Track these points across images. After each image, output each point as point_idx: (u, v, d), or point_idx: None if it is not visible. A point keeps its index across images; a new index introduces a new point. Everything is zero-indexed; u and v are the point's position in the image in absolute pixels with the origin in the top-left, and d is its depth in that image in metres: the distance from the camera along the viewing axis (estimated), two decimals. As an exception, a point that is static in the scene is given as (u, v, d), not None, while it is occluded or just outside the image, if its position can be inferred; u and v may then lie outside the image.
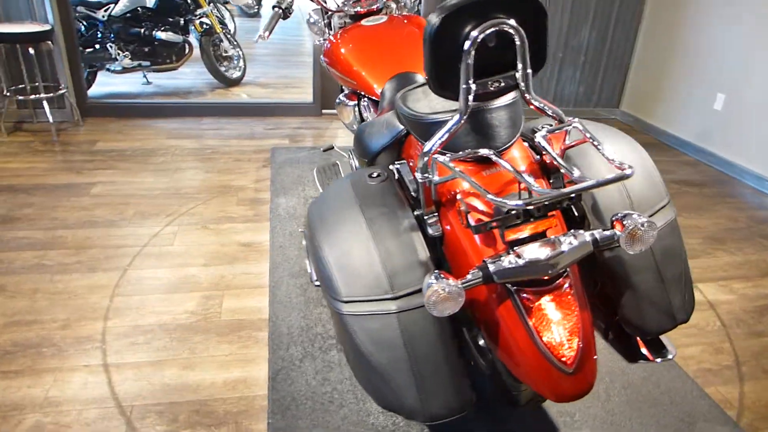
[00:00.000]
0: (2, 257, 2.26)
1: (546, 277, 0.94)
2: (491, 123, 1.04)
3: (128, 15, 4.47)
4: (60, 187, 2.93)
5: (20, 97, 3.66)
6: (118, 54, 4.51)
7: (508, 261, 0.91)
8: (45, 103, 3.59)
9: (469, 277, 0.91)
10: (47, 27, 3.47)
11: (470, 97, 0.93)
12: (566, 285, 0.98)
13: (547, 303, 0.97)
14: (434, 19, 0.89)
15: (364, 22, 2.10)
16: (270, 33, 1.98)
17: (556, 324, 0.96)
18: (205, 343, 1.83)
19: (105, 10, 4.41)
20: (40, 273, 2.18)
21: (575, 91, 4.53)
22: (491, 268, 0.90)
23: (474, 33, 0.88)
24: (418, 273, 1.01)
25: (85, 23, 4.44)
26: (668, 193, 1.17)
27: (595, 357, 1.01)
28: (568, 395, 0.97)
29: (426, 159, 1.00)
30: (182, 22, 4.66)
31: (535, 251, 0.91)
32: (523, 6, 0.91)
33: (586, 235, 0.93)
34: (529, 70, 0.94)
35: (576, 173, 0.93)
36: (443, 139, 0.98)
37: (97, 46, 4.46)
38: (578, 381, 0.97)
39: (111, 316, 1.95)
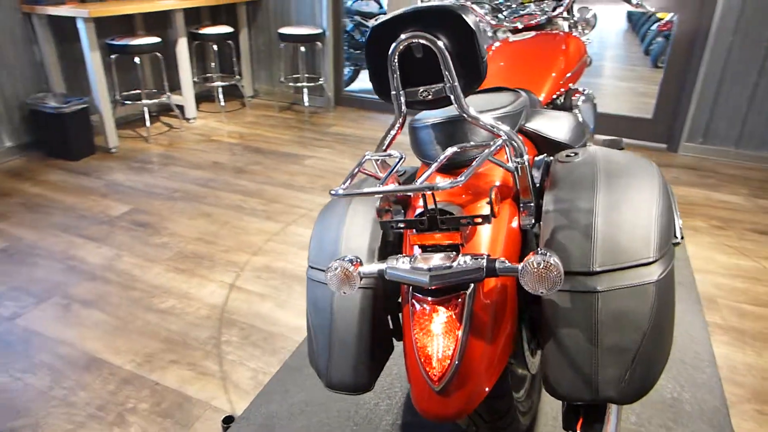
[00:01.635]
0: (220, 195, 3.07)
1: (432, 288, 0.96)
2: (436, 136, 1.09)
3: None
4: (287, 154, 3.72)
5: (291, 84, 4.70)
6: (378, 57, 5.29)
7: (400, 262, 0.97)
8: (305, 90, 4.53)
9: (370, 267, 1.01)
10: (319, 31, 4.35)
11: (402, 104, 1.01)
12: (458, 303, 0.98)
13: (430, 314, 0.99)
14: (369, 31, 1.01)
15: (512, 37, 2.13)
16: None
17: (433, 337, 0.97)
18: (301, 294, 2.21)
19: (375, 20, 5.22)
20: (236, 212, 2.89)
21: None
22: (385, 265, 0.98)
23: (393, 44, 0.96)
24: (365, 257, 1.12)
25: (360, 29, 5.34)
26: (664, 254, 0.99)
27: (485, 389, 0.97)
28: (431, 413, 0.97)
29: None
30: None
31: (420, 260, 0.95)
32: (451, 23, 0.94)
33: (483, 261, 0.92)
34: (456, 83, 0.96)
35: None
36: (385, 144, 1.08)
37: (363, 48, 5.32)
38: (443, 402, 0.96)
39: (257, 253, 2.49)
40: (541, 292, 0.88)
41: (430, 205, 0.95)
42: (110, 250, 2.50)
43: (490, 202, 0.93)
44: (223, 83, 4.69)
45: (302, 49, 4.49)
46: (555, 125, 1.43)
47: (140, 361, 1.83)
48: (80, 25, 3.29)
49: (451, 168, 1.12)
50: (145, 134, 4.05)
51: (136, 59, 3.81)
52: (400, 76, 1.00)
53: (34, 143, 3.61)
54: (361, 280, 0.99)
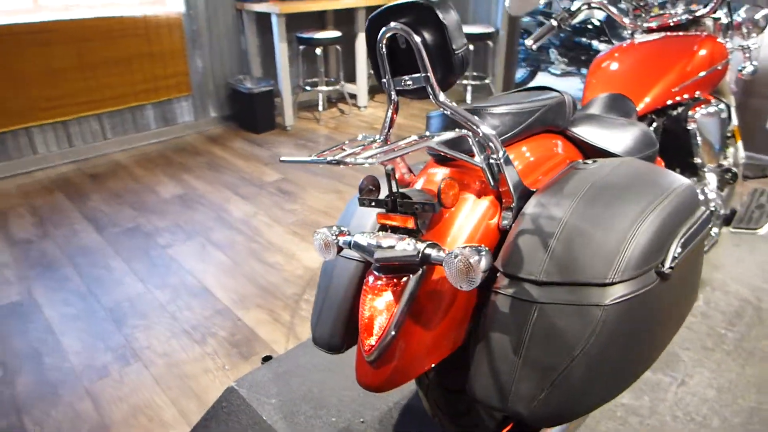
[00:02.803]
0: (359, 176, 3.35)
1: (378, 266, 1.02)
2: (438, 126, 1.11)
3: (576, 27, 4.92)
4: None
5: (458, 82, 4.79)
6: (557, 59, 5.06)
7: (363, 237, 1.05)
8: (469, 89, 4.59)
9: (347, 238, 1.11)
10: (491, 30, 4.36)
11: (391, 90, 1.07)
12: (402, 282, 1.01)
13: (379, 289, 1.05)
14: (368, 21, 1.09)
15: (638, 39, 1.94)
16: (536, 43, 2.12)
17: (374, 311, 1.03)
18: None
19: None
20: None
21: None
22: (350, 237, 1.07)
23: (379, 35, 1.02)
24: (367, 230, 1.21)
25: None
26: (631, 278, 0.88)
27: (416, 370, 1.00)
28: (360, 381, 1.03)
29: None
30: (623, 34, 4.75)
31: (375, 238, 1.02)
32: (428, 17, 0.97)
33: (420, 247, 0.95)
34: (430, 74, 0.98)
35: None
36: (385, 128, 1.14)
37: (541, 49, 5.14)
38: (372, 372, 1.01)
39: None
40: (461, 287, 0.88)
41: (396, 189, 1.00)
42: (252, 208, 2.96)
43: (438, 191, 0.95)
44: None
45: (470, 47, 4.54)
46: (603, 132, 1.32)
47: (236, 298, 2.17)
48: (273, 20, 3.87)
49: (449, 159, 1.12)
50: (318, 117, 4.58)
51: (318, 50, 4.31)
52: (394, 64, 1.07)
53: (231, 116, 4.37)
54: (339, 249, 1.08)
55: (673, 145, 1.79)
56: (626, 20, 2.07)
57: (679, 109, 1.77)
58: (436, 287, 1.01)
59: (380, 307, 1.01)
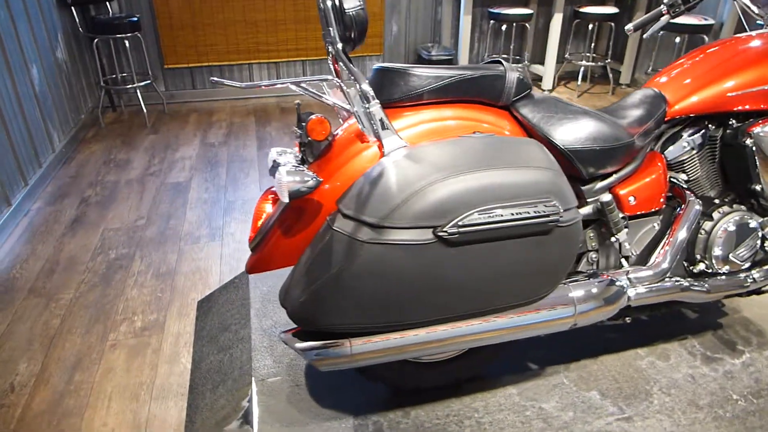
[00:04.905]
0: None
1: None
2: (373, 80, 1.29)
3: None
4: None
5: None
6: None
7: (282, 155, 1.33)
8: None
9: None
10: (712, 22, 3.76)
11: (327, 49, 1.28)
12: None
13: (266, 197, 1.33)
14: None
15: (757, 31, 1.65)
16: (641, 31, 1.93)
17: (260, 211, 1.31)
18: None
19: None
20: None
21: None
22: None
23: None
24: None
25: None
26: (404, 226, 0.97)
27: (280, 265, 1.25)
28: (246, 267, 1.32)
29: None
30: None
31: (275, 155, 1.29)
32: None
33: (285, 168, 1.18)
34: (332, 29, 1.16)
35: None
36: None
37: None
38: (252, 258, 1.30)
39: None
40: (280, 196, 1.11)
41: (297, 123, 1.26)
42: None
43: (306, 125, 1.18)
44: (588, 63, 4.68)
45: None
46: (548, 117, 1.28)
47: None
48: (462, -8, 4.06)
49: (400, 102, 1.27)
50: (491, 92, 4.64)
51: (503, 27, 4.33)
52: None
53: (414, 80, 4.75)
54: (276, 166, 1.38)
55: (732, 165, 1.53)
56: (755, 9, 1.75)
57: (735, 122, 1.49)
58: (302, 205, 1.24)
59: (264, 211, 1.30)
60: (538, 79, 4.79)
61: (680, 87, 1.48)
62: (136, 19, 3.62)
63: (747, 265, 1.50)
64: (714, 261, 1.46)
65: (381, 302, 1.04)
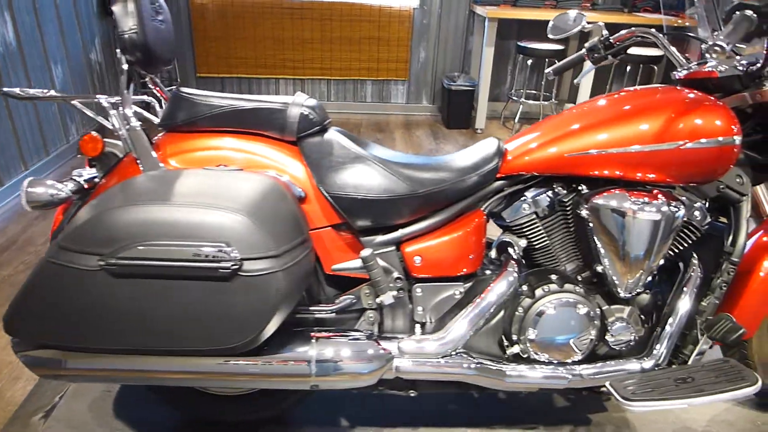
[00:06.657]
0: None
1: None
2: None
3: None
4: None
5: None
6: None
7: None
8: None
9: None
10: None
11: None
12: None
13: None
14: None
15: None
16: (557, 75, 1.76)
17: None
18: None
19: None
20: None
21: None
22: None
23: None
24: None
25: None
26: (71, 249, 0.98)
27: None
28: None
29: None
30: None
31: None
32: None
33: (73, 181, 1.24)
34: (125, 66, 1.20)
35: None
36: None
37: None
38: None
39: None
40: None
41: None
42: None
43: (78, 141, 1.22)
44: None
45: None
46: (323, 157, 1.22)
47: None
48: (486, 23, 3.95)
49: (180, 127, 1.31)
50: (510, 126, 4.45)
51: (528, 61, 4.15)
52: None
53: (439, 108, 4.69)
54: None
55: (580, 239, 1.34)
56: (681, 59, 1.55)
57: (590, 188, 1.29)
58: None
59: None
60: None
61: (524, 141, 1.32)
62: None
63: (577, 357, 1.31)
64: (529, 345, 1.28)
65: (69, 322, 1.03)
